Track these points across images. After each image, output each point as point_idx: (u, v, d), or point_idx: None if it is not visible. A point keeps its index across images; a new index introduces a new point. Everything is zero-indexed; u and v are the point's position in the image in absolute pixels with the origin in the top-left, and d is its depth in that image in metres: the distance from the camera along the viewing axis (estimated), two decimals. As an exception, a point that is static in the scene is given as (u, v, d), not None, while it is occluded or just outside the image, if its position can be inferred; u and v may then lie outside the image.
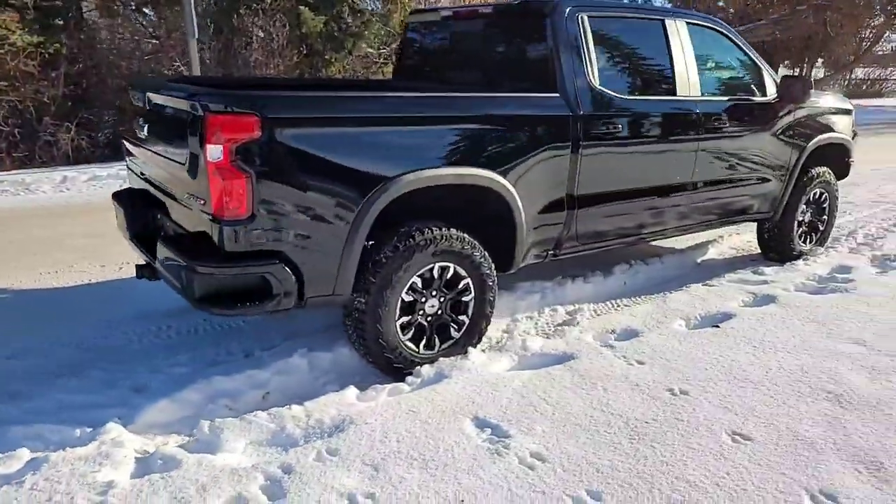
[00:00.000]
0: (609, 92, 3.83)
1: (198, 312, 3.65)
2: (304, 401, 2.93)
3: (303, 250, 2.87)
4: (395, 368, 3.26)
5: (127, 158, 3.94)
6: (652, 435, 2.66)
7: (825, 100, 5.34)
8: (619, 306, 4.36)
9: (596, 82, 3.77)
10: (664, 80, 4.21)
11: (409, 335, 3.32)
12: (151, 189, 3.50)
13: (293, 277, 2.86)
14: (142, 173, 3.66)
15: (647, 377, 3.16)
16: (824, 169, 5.31)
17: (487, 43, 4.19)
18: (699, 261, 5.44)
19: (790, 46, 22.03)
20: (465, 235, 3.33)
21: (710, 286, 4.57)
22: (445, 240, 3.25)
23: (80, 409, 2.91)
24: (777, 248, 5.32)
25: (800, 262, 5.14)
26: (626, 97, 3.96)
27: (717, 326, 3.84)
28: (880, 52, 26.34)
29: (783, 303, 4.18)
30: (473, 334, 3.51)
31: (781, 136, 4.87)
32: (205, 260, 2.77)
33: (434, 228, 3.23)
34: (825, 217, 5.52)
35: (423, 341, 3.37)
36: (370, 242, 3.09)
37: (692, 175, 4.38)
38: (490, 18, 4.21)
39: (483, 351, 3.51)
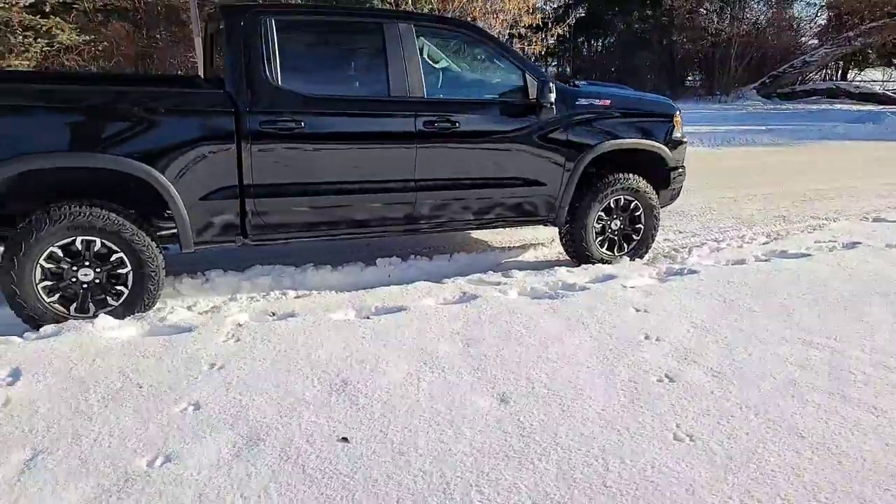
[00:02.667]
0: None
1: None
2: None
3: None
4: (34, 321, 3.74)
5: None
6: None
7: (624, 103, 5.13)
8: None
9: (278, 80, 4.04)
10: (377, 81, 4.35)
11: (55, 298, 3.78)
12: None
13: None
14: None
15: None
16: (629, 176, 5.12)
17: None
18: (502, 261, 5.43)
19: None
20: (108, 213, 3.75)
21: (444, 284, 4.59)
22: (85, 215, 3.70)
23: None
24: (573, 251, 5.21)
25: (578, 269, 4.98)
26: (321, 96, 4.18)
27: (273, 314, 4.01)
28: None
29: (480, 303, 4.16)
30: (135, 305, 3.92)
31: (546, 140, 4.78)
32: None
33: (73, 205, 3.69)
34: (639, 227, 5.29)
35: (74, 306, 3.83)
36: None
37: (413, 173, 4.46)
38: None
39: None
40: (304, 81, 4.15)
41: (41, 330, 3.65)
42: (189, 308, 4.16)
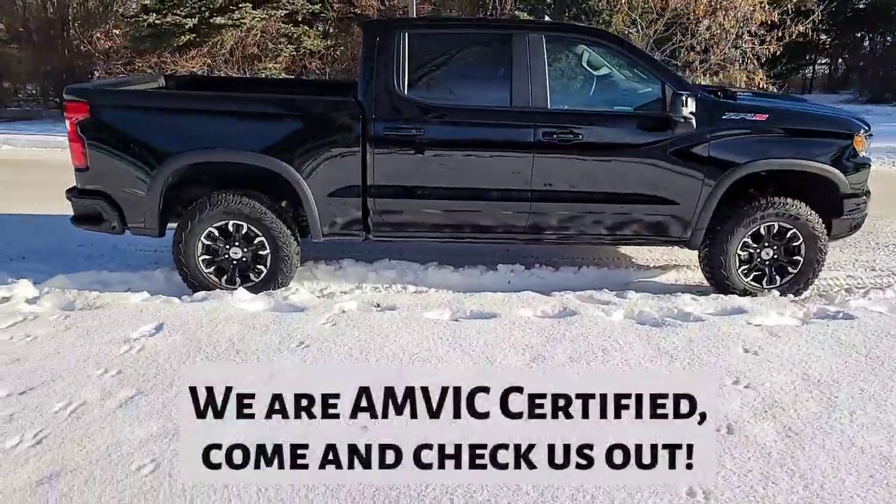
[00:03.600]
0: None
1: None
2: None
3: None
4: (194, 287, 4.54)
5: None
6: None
7: (787, 119, 4.55)
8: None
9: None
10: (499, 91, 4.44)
11: (211, 270, 4.55)
12: None
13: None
14: None
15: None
16: (785, 200, 4.57)
17: None
18: (635, 280, 5.19)
19: None
20: (254, 202, 4.41)
21: (551, 296, 4.54)
22: (235, 203, 4.40)
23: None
24: (711, 278, 4.81)
25: (705, 298, 4.56)
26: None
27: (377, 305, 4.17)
28: None
29: (575, 320, 4.07)
30: (270, 282, 4.55)
31: (681, 155, 4.46)
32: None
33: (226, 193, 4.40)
34: (797, 258, 4.69)
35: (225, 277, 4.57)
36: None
37: (529, 184, 4.48)
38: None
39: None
40: (428, 91, 4.43)
41: (195, 294, 4.42)
42: (313, 291, 4.68)
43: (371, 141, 4.37)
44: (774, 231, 4.65)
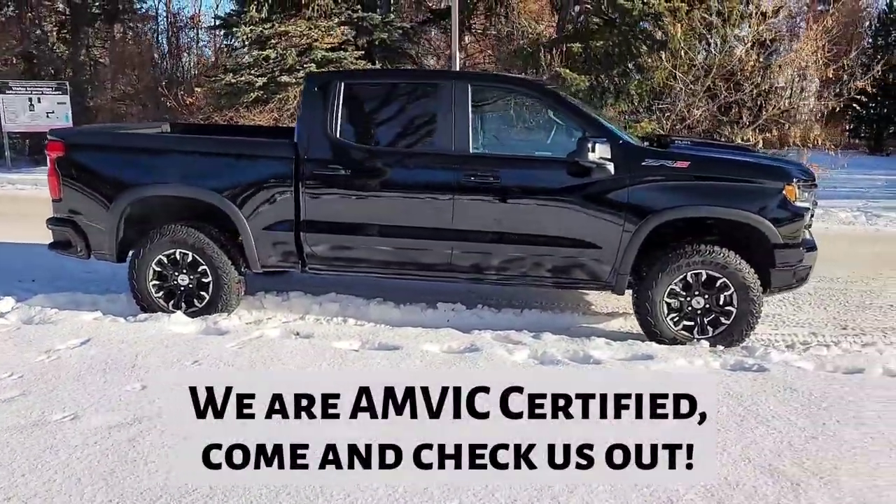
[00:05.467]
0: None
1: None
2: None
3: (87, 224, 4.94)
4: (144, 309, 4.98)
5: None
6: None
7: (711, 167, 4.49)
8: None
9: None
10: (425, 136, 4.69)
11: (161, 294, 4.98)
12: None
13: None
14: None
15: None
16: (712, 248, 4.47)
17: None
18: (578, 324, 5.16)
19: None
20: (199, 233, 4.83)
21: (469, 334, 4.60)
22: (182, 233, 4.84)
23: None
24: (642, 324, 4.71)
25: (620, 343, 4.44)
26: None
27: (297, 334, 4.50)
28: None
29: (474, 357, 4.13)
30: (213, 308, 4.92)
31: (599, 200, 4.50)
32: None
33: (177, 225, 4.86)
34: (731, 309, 4.53)
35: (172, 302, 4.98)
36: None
37: (450, 223, 4.63)
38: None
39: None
40: (358, 135, 4.74)
41: (139, 316, 4.86)
42: (249, 320, 5.00)
43: (303, 180, 4.71)
44: (703, 280, 4.53)
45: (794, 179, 4.47)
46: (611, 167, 4.44)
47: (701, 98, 12.65)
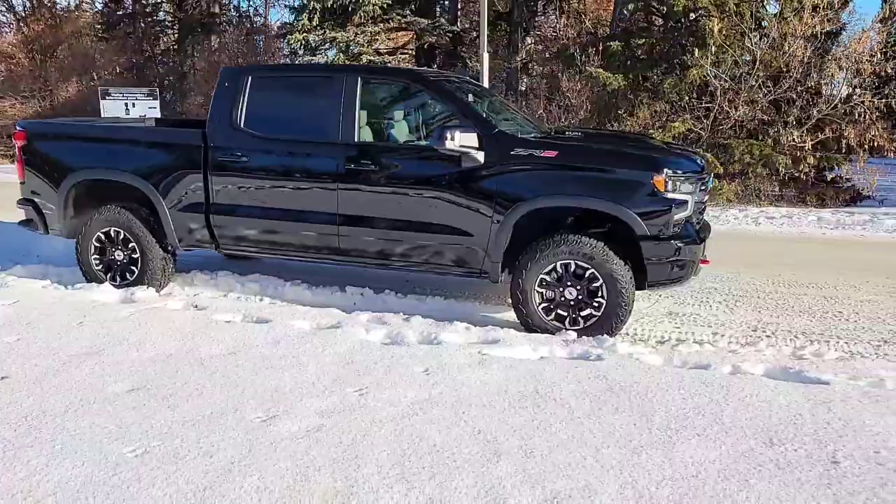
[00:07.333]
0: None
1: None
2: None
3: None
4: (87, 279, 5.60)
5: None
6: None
7: (579, 156, 4.46)
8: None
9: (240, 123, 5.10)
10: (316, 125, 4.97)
11: (101, 267, 5.58)
12: None
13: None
14: None
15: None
16: (579, 239, 4.45)
17: None
18: (477, 313, 5.24)
19: None
20: (128, 213, 5.39)
21: (350, 315, 4.82)
22: (114, 213, 5.42)
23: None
24: (517, 313, 4.73)
25: (479, 329, 4.49)
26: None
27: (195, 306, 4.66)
28: None
29: (329, 333, 4.37)
30: (141, 282, 5.47)
31: (469, 189, 4.59)
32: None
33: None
34: (601, 301, 4.48)
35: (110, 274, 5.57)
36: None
37: (336, 209, 4.89)
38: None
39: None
40: (260, 125, 5.09)
41: (76, 285, 5.48)
42: (157, 291, 5.44)
43: (211, 165, 5.14)
44: (572, 271, 4.51)
45: (665, 170, 4.35)
46: (479, 156, 4.53)
47: (745, 97, 12.01)
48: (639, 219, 4.33)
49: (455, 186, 4.64)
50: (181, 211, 5.31)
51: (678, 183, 4.39)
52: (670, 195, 4.35)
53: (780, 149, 11.84)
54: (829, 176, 12.74)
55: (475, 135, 4.48)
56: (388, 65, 15.59)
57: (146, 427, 2.95)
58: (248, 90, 5.12)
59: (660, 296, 5.71)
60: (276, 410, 3.17)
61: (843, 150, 11.93)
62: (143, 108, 19.69)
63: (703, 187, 4.67)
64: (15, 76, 24.74)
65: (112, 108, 19.37)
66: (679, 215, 4.40)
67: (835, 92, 12.07)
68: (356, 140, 4.87)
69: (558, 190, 4.48)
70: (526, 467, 2.69)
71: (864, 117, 11.60)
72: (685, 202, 4.42)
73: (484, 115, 4.86)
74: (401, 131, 5.11)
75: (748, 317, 5.26)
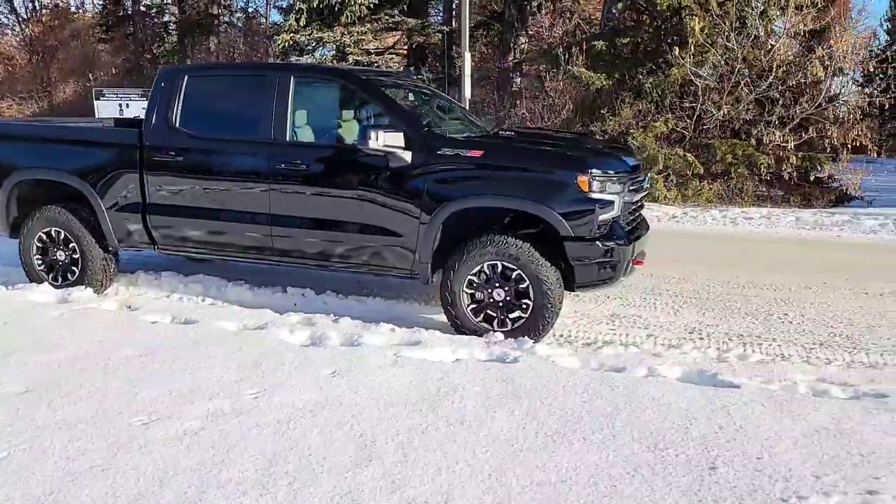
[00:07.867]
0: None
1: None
2: None
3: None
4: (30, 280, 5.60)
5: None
6: None
7: (504, 155, 4.40)
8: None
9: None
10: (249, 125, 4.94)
11: (43, 267, 5.58)
12: None
13: None
14: None
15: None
16: (504, 239, 4.38)
17: None
18: (419, 315, 5.19)
19: None
20: (67, 213, 5.38)
21: (283, 316, 4.79)
22: (54, 213, 5.41)
23: None
24: (446, 314, 4.65)
25: (401, 331, 4.44)
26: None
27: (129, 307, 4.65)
28: None
29: (250, 335, 4.34)
30: (80, 283, 5.46)
31: (397, 188, 4.54)
32: None
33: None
34: (528, 302, 4.41)
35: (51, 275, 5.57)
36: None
37: (268, 209, 4.86)
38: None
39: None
40: (195, 124, 5.07)
41: (17, 285, 5.48)
42: (97, 292, 5.42)
43: (146, 165, 5.12)
44: (499, 271, 4.44)
45: (590, 170, 4.28)
46: (406, 155, 4.48)
47: (727, 97, 11.87)
48: (562, 219, 4.26)
49: (383, 186, 4.59)
50: (118, 211, 5.29)
51: (604, 183, 4.32)
52: (595, 195, 4.28)
53: (763, 149, 11.69)
54: (813, 176, 12.57)
55: (402, 134, 4.43)
56: (376, 65, 15.58)
57: (19, 429, 2.93)
58: (184, 90, 5.10)
59: (607, 297, 5.63)
60: (161, 413, 3.14)
61: (827, 150, 11.77)
62: (138, 108, 19.81)
63: (633, 187, 4.59)
64: (14, 77, 25.00)
65: (107, 108, 19.52)
66: (605, 216, 4.33)
67: (820, 89, 11.88)
68: (287, 139, 4.84)
69: (483, 190, 4.42)
70: (392, 473, 2.64)
71: (849, 117, 11.44)
72: (611, 202, 4.35)
73: (412, 115, 4.81)
74: (334, 130, 5.07)
75: (690, 319, 5.17)
